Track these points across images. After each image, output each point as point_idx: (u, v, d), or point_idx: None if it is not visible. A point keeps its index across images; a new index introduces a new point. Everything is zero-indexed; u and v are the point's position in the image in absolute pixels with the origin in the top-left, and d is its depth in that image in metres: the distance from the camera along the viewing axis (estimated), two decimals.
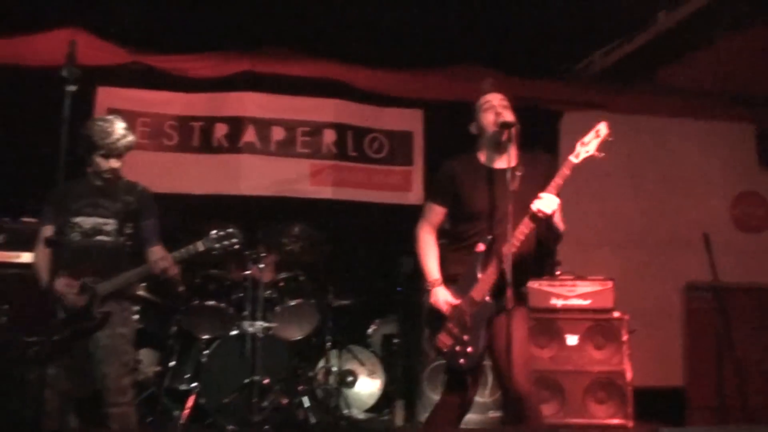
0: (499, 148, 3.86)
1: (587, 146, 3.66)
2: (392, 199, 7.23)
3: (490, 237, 3.74)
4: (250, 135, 6.95)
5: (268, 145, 7.01)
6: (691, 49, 6.66)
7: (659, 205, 7.71)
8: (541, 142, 7.35)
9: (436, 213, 4.00)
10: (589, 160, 3.65)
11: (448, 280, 3.87)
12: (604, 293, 6.05)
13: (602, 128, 3.70)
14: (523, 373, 3.65)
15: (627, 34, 6.64)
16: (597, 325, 5.97)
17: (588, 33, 6.71)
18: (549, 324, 6.00)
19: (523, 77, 7.18)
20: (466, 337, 3.71)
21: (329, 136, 7.12)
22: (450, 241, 3.99)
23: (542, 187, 3.68)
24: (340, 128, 7.17)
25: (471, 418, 5.63)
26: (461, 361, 3.72)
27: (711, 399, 6.39)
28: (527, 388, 3.66)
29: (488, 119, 3.88)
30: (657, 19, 6.32)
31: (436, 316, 3.82)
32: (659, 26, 6.32)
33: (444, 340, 3.78)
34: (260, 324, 5.54)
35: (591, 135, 3.69)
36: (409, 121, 7.39)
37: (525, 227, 3.66)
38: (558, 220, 3.77)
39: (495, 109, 3.87)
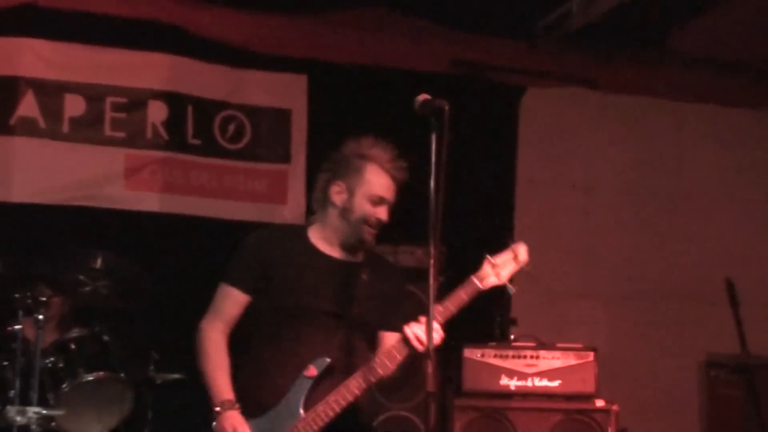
0: (351, 248, 4.10)
1: (498, 269, 3.97)
2: (257, 214, 7.25)
3: (327, 360, 3.91)
4: (28, 106, 6.85)
5: (59, 125, 6.93)
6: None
7: (666, 237, 7.93)
8: (493, 128, 7.57)
9: (235, 302, 4.14)
10: (498, 288, 3.96)
11: (250, 409, 3.97)
12: (582, 370, 6.15)
13: (521, 252, 4.00)
14: None
15: None
16: (570, 420, 6.07)
17: None
18: (496, 418, 6.07)
19: (464, 32, 7.28)
20: None
21: (157, 112, 7.10)
22: (256, 355, 4.11)
23: (387, 309, 4.08)
24: (175, 100, 7.16)
25: None
26: None
27: None
28: None
29: (368, 218, 4.03)
30: None
31: None
32: None
33: None
34: (35, 411, 5.37)
35: (506, 256, 4.00)
36: (286, 92, 7.46)
37: (396, 352, 3.88)
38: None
39: (383, 213, 4.05)
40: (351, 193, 4.02)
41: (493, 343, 6.27)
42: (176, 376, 6.14)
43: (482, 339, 6.30)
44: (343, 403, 3.83)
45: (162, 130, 7.11)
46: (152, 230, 6.95)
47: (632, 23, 7.14)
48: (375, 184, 4.01)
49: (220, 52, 7.22)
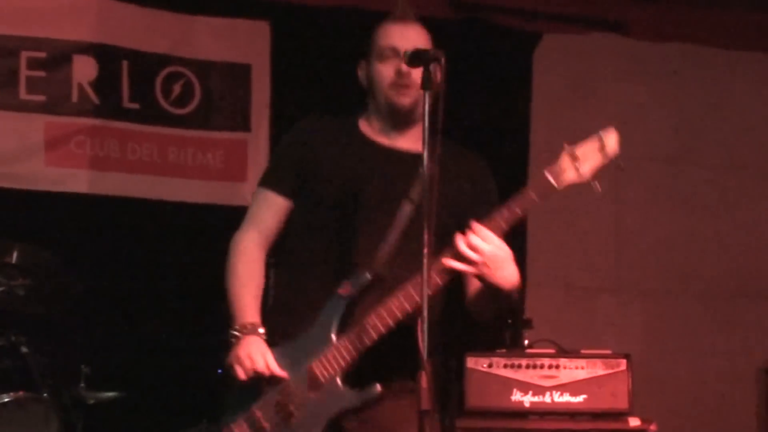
0: (396, 121, 4.06)
1: (579, 164, 3.76)
2: (210, 195, 7.33)
3: (368, 276, 3.84)
4: None
5: None
6: None
7: (715, 219, 7.99)
8: (502, 85, 7.61)
9: (273, 209, 4.14)
10: (579, 185, 3.73)
11: (277, 332, 3.97)
12: (613, 382, 6.16)
13: (610, 140, 3.78)
14: None
15: None
16: None
17: None
18: None
19: None
20: None
21: (84, 70, 7.11)
22: (295, 268, 4.11)
23: (460, 204, 3.94)
24: (107, 55, 7.17)
25: None
26: None
27: None
28: None
29: (384, 75, 4.02)
30: None
31: (238, 387, 3.91)
32: None
33: (245, 427, 3.88)
34: None
35: (589, 146, 3.78)
36: (243, 43, 7.50)
37: (437, 275, 3.73)
38: (513, 284, 3.82)
39: (400, 66, 3.96)
40: (369, 64, 4.06)
41: (503, 351, 6.25)
42: (112, 394, 6.16)
43: (490, 345, 6.29)
44: (383, 329, 3.74)
45: (91, 92, 7.12)
46: (80, 216, 6.95)
47: None
48: (382, 37, 4.03)
49: None
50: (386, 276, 3.82)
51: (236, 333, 3.90)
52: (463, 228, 3.72)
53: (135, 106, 7.24)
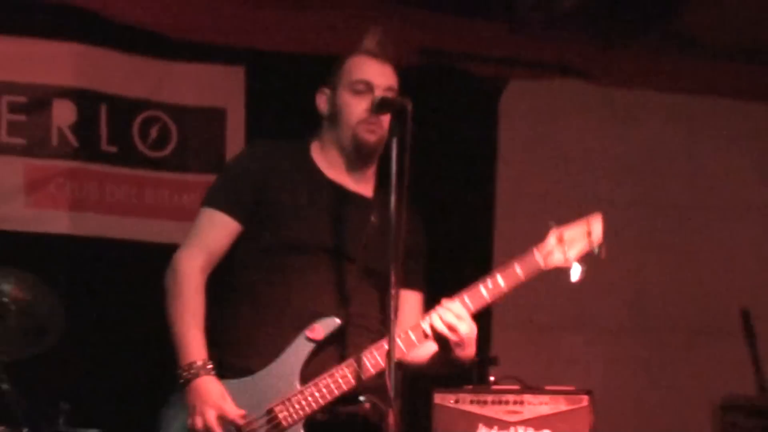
0: (356, 160, 4.08)
1: (567, 246, 3.89)
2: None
3: (337, 322, 3.88)
4: None
5: None
6: None
7: (675, 257, 8.08)
8: (468, 128, 7.69)
9: (220, 230, 4.09)
10: (564, 270, 3.89)
11: (230, 367, 3.94)
12: (576, 417, 6.22)
13: (596, 228, 3.94)
14: None
15: None
16: None
17: None
18: None
19: (437, 15, 7.41)
20: None
21: (63, 114, 7.13)
22: (243, 296, 4.08)
23: (410, 256, 3.93)
24: (85, 99, 7.19)
25: None
26: None
27: None
28: None
29: (355, 111, 4.03)
30: None
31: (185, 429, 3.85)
32: None
33: None
34: None
35: (577, 230, 3.93)
36: (219, 88, 7.54)
37: (415, 338, 3.85)
38: (470, 354, 3.91)
39: (372, 98, 3.98)
40: (333, 91, 4.05)
41: (470, 387, 6.30)
42: (93, 431, 6.26)
43: (456, 381, 6.30)
44: (346, 388, 3.78)
45: (70, 136, 7.14)
46: (61, 255, 7.00)
47: (633, 3, 7.32)
48: (356, 69, 4.03)
49: (140, 40, 7.27)
50: (350, 325, 3.88)
51: (186, 375, 3.82)
52: (408, 278, 3.84)
53: (113, 149, 7.26)
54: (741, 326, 6.32)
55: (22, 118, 7.10)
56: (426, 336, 3.79)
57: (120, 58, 7.30)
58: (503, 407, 6.23)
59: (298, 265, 3.96)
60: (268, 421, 3.81)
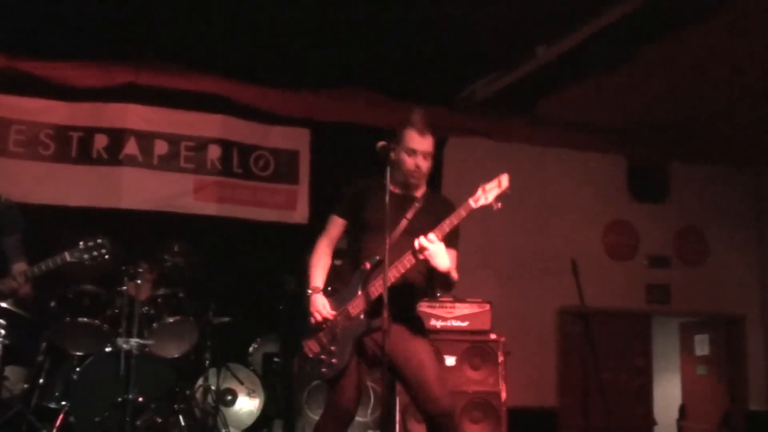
0: (406, 186, 3.96)
1: (487, 194, 3.70)
2: (277, 217, 7.25)
3: (377, 258, 3.77)
4: (131, 147, 6.85)
5: (151, 159, 6.92)
6: (568, 82, 7.02)
7: (536, 231, 8.01)
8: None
9: (336, 225, 4.01)
10: (485, 207, 3.68)
11: (333, 291, 3.90)
12: (482, 315, 6.20)
13: (504, 180, 3.72)
14: (441, 390, 3.70)
15: (508, 66, 6.91)
16: (474, 347, 6.10)
17: (471, 63, 6.96)
18: None
19: (408, 101, 7.34)
20: (333, 348, 3.76)
21: (214, 152, 7.09)
22: (348, 260, 4.00)
23: (433, 225, 3.73)
24: (226, 144, 7.15)
25: None
26: (324, 370, 3.78)
27: (580, 419, 6.63)
28: (449, 403, 3.70)
29: (407, 164, 3.89)
30: (536, 53, 6.61)
31: (310, 323, 3.86)
32: (539, 59, 6.62)
33: (311, 346, 3.83)
34: (136, 341, 5.43)
35: (493, 183, 3.72)
36: (295, 139, 7.43)
37: (407, 261, 3.72)
38: (446, 268, 3.74)
39: (417, 160, 3.89)
40: (397, 151, 3.87)
41: (426, 299, 6.18)
42: (226, 319, 6.20)
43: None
44: (381, 289, 3.62)
45: (217, 163, 7.12)
46: (211, 227, 6.94)
47: (513, 98, 7.30)
48: (409, 141, 3.85)
49: (254, 113, 7.22)
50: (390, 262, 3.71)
51: (309, 291, 3.86)
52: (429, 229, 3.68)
53: (240, 170, 7.21)
54: (571, 268, 6.27)
55: (192, 154, 7.09)
56: (416, 253, 3.64)
57: (243, 122, 7.27)
58: (443, 309, 6.20)
59: (369, 236, 3.85)
60: (344, 314, 3.78)
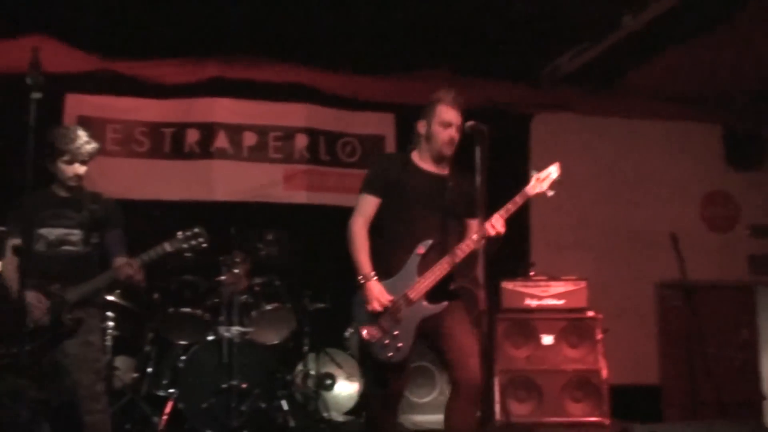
0: (439, 159, 4.08)
1: (542, 182, 3.95)
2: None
3: (430, 242, 3.89)
4: (221, 140, 6.97)
5: (240, 151, 7.03)
6: (656, 52, 6.80)
7: (630, 206, 7.81)
8: (513, 143, 7.48)
9: (371, 204, 4.06)
10: (541, 194, 3.95)
11: (381, 274, 3.95)
12: (578, 293, 6.14)
13: (554, 170, 3.97)
14: (476, 361, 3.82)
15: (592, 38, 6.74)
16: (571, 325, 6.06)
17: (554, 37, 6.81)
18: (524, 324, 6.08)
19: (494, 80, 7.30)
20: (396, 332, 3.86)
21: (301, 141, 7.15)
22: (384, 238, 4.04)
23: (469, 203, 3.91)
24: (312, 133, 7.20)
25: (432, 418, 5.81)
26: (390, 354, 3.87)
27: (685, 396, 6.47)
28: (480, 375, 3.83)
29: (442, 137, 4.01)
30: (622, 23, 6.43)
31: (365, 309, 3.91)
32: (624, 29, 6.43)
33: (372, 332, 3.89)
34: (236, 329, 5.59)
35: (546, 173, 3.96)
36: (380, 124, 7.44)
37: (471, 243, 3.85)
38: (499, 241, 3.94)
39: (451, 132, 4.02)
40: (429, 124, 4.02)
41: (521, 278, 6.25)
42: (322, 305, 6.28)
43: (514, 275, 6.27)
44: (442, 273, 3.85)
45: (305, 152, 7.15)
46: (301, 215, 7.01)
47: (599, 70, 7.12)
48: (443, 114, 4.00)
49: (339, 101, 7.25)
50: (438, 244, 3.91)
51: (362, 280, 3.91)
52: (469, 213, 3.94)
53: (327, 158, 7.25)
54: (671, 242, 6.14)
55: (280, 144, 7.15)
56: (492, 238, 3.85)
57: (329, 110, 7.30)
58: (538, 288, 6.18)
59: (410, 216, 3.96)
60: (404, 300, 3.89)
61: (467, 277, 4.12)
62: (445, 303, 3.78)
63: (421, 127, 4.09)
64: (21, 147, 3.49)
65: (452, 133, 3.99)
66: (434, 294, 3.88)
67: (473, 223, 3.94)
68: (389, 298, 3.86)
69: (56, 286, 4.08)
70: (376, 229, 4.07)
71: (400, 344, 3.85)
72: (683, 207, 7.91)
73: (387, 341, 3.86)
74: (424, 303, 3.87)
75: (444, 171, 4.07)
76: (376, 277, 3.90)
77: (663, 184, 7.92)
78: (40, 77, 3.52)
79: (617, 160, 7.84)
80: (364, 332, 3.90)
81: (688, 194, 8.01)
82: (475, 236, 3.83)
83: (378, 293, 3.87)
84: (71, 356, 4.09)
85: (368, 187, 4.08)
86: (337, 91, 7.19)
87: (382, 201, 4.04)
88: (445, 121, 3.99)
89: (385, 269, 3.95)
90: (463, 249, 3.86)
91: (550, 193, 3.93)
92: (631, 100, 7.75)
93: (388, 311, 3.87)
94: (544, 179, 3.94)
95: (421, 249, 3.88)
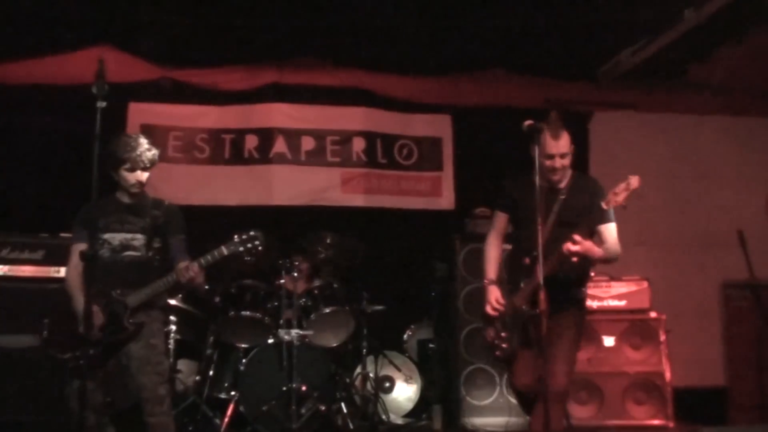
0: (548, 181, 4.21)
1: (617, 196, 3.91)
2: (423, 204, 7.26)
3: (534, 254, 3.98)
4: (280, 145, 7.03)
5: (299, 155, 7.07)
6: (719, 45, 6.62)
7: (694, 203, 7.63)
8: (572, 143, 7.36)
9: (499, 219, 4.47)
10: (618, 205, 3.92)
11: (511, 282, 4.30)
12: (640, 293, 6.05)
13: (633, 182, 3.89)
14: (563, 369, 4.05)
15: (654, 33, 6.61)
16: (633, 326, 5.98)
17: (614, 33, 6.70)
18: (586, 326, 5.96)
19: (551, 79, 7.21)
20: (504, 334, 4.23)
21: (358, 144, 7.16)
22: (513, 248, 4.41)
23: (585, 210, 4.08)
24: (369, 136, 7.20)
25: (493, 421, 5.82)
26: (497, 353, 4.28)
27: (753, 398, 6.31)
28: (565, 383, 4.07)
29: (546, 166, 4.15)
30: (684, 17, 6.29)
31: (486, 312, 4.30)
32: (686, 24, 6.29)
33: (489, 333, 4.30)
34: (296, 332, 5.61)
35: (622, 186, 3.91)
36: (437, 126, 7.40)
37: (556, 260, 3.96)
38: (599, 256, 4.10)
39: (554, 163, 4.15)
40: (537, 154, 4.03)
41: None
42: (379, 307, 6.26)
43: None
44: (540, 281, 3.85)
45: (362, 155, 7.17)
46: (359, 218, 7.02)
47: (661, 66, 6.96)
48: (543, 146, 4.09)
49: (395, 103, 7.24)
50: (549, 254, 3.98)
51: (486, 282, 4.34)
52: (585, 223, 4.03)
53: (384, 161, 7.24)
54: (737, 240, 5.97)
55: (337, 147, 7.17)
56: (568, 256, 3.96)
57: (385, 113, 7.29)
58: (599, 288, 6.12)
59: (525, 229, 4.13)
60: (512, 305, 4.22)
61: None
62: (542, 308, 3.80)
63: (532, 151, 4.11)
64: (87, 155, 3.60)
65: (555, 163, 4.15)
66: (541, 300, 3.88)
67: (602, 229, 4.17)
68: (502, 302, 4.23)
69: (117, 291, 4.15)
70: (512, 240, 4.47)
71: (504, 345, 4.22)
72: (750, 204, 7.65)
73: (497, 342, 4.25)
74: (525, 308, 4.12)
75: (560, 184, 4.23)
76: (493, 284, 4.31)
77: (728, 180, 7.69)
78: (105, 87, 3.60)
79: (679, 157, 7.64)
80: (485, 333, 4.34)
81: (754, 191, 7.75)
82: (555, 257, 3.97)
83: (492, 298, 4.26)
84: (135, 359, 4.16)
85: (497, 204, 4.51)
86: (394, 94, 7.19)
87: (510, 215, 4.41)
88: (546, 153, 4.13)
89: (512, 277, 4.30)
90: (552, 263, 3.97)
91: (625, 207, 3.93)
92: (692, 95, 7.55)
93: (501, 314, 4.23)
94: (620, 193, 3.90)
95: (526, 260, 4.10)
